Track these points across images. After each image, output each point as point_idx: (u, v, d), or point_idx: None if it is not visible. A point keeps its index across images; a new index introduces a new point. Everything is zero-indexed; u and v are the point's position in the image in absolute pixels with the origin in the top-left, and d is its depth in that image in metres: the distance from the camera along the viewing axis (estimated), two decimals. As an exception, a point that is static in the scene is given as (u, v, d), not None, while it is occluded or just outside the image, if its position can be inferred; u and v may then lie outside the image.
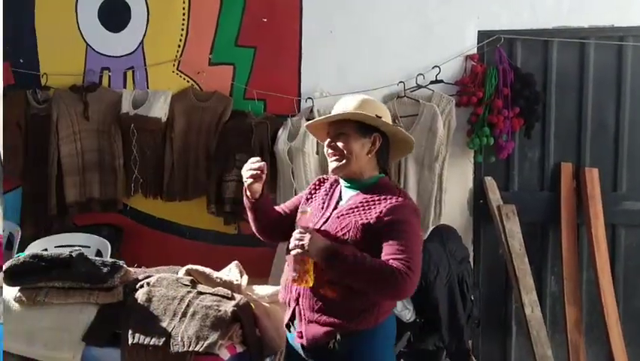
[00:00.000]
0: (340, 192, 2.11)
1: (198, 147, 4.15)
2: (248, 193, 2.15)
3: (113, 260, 2.11)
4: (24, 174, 4.33)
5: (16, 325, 2.00)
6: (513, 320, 3.90)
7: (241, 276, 2.40)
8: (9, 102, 4.24)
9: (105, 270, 2.06)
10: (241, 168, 3.85)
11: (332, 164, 2.05)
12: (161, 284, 2.08)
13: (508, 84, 3.70)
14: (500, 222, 3.75)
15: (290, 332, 2.06)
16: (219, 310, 1.97)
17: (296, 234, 1.90)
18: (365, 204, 1.95)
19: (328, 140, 2.04)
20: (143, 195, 4.27)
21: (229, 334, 1.93)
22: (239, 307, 2.00)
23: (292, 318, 2.02)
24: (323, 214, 2.05)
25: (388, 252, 1.82)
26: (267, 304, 2.25)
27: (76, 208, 4.27)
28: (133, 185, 4.20)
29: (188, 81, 4.22)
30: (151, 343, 1.87)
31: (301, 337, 1.96)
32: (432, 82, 3.89)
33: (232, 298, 2.08)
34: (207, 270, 2.32)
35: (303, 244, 1.85)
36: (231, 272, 2.42)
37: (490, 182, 3.88)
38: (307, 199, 2.15)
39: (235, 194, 3.99)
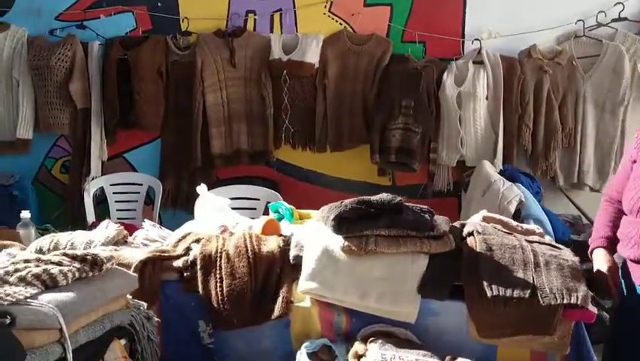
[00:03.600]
0: None
1: (354, 93, 3.93)
2: None
3: (425, 207, 1.94)
4: (164, 125, 4.11)
5: (345, 277, 1.83)
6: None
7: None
8: (149, 48, 3.98)
9: (427, 216, 1.88)
10: (407, 115, 3.79)
11: None
12: (488, 232, 1.91)
13: None
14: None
15: None
16: (567, 260, 1.80)
17: None
18: None
19: None
20: (291, 147, 4.07)
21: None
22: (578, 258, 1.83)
23: None
24: None
25: None
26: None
27: (221, 160, 4.07)
28: (283, 135, 3.99)
29: (341, 24, 3.95)
30: (514, 295, 1.71)
31: None
32: (614, 20, 3.65)
33: (559, 247, 1.91)
34: (504, 218, 2.15)
35: None
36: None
37: (674, 126, 3.67)
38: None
39: (401, 143, 3.79)
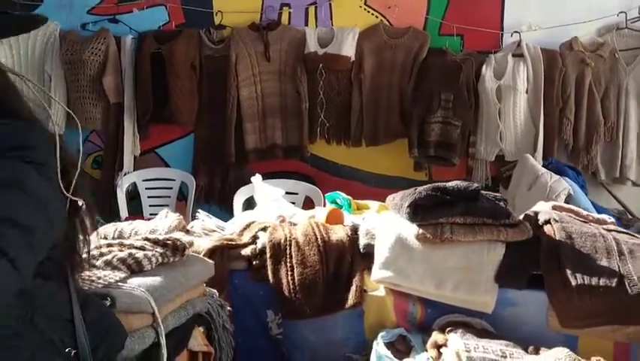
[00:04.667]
0: None
1: (390, 87, 3.88)
2: None
3: (499, 195, 1.89)
4: (197, 120, 4.06)
5: (420, 265, 1.79)
6: None
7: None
8: (183, 42, 3.95)
9: (502, 204, 1.83)
10: (447, 109, 3.74)
11: None
12: (565, 220, 1.86)
13: None
14: None
15: None
16: (647, 248, 1.74)
17: None
18: None
19: None
20: (325, 141, 4.02)
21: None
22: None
23: None
24: None
25: None
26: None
27: (255, 155, 4.03)
28: (318, 130, 3.94)
29: (377, 17, 3.91)
30: (600, 284, 1.66)
31: None
32: (657, 11, 3.59)
33: (637, 236, 1.86)
34: (574, 207, 2.10)
35: None
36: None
37: None
38: None
39: (440, 136, 3.74)
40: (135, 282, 1.32)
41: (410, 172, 4.00)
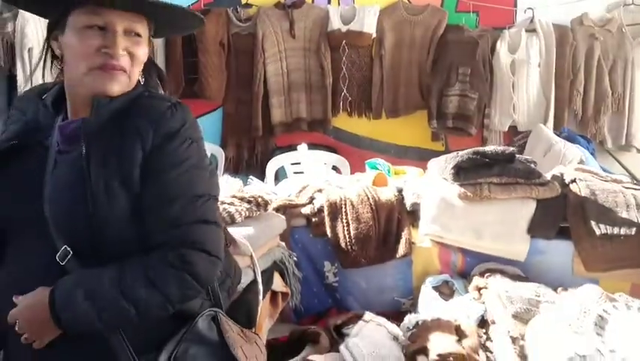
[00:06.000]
0: None
1: (410, 62, 4.09)
2: None
3: (530, 157, 2.12)
4: (225, 95, 4.27)
5: (461, 221, 2.03)
6: None
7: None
8: (212, 21, 4.13)
9: (533, 166, 2.07)
10: (464, 82, 3.96)
11: None
12: (588, 179, 2.11)
13: None
14: None
15: None
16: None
17: None
18: None
19: None
20: (347, 114, 4.23)
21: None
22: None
23: None
24: None
25: None
26: None
27: (281, 128, 4.24)
28: (341, 103, 4.16)
29: (396, -6, 4.09)
30: (622, 232, 1.91)
31: None
32: (663, -12, 3.79)
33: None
34: (593, 169, 2.34)
35: None
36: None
37: None
38: None
39: (457, 108, 3.96)
40: (233, 231, 1.56)
41: (427, 142, 4.22)
